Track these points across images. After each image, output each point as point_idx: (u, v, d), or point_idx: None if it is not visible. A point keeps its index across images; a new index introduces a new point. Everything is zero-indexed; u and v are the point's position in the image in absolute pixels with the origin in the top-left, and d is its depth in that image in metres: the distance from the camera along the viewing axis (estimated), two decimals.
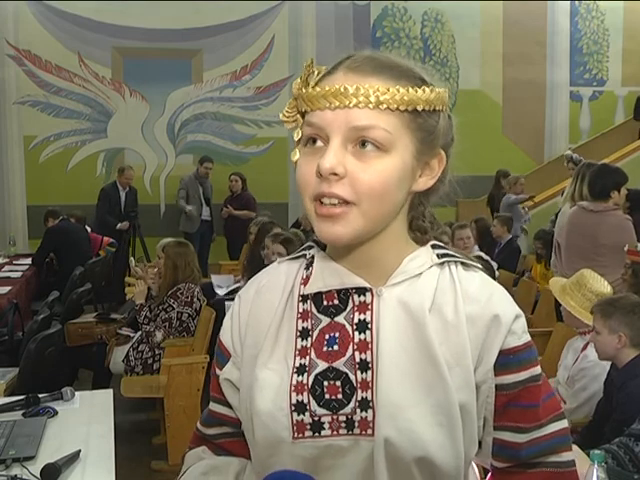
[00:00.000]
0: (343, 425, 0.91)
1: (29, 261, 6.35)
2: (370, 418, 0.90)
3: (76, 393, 2.44)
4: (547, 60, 9.74)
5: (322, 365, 0.93)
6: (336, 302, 0.95)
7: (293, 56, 8.75)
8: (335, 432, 0.91)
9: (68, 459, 1.88)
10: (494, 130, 9.43)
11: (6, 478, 1.80)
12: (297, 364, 0.94)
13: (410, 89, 0.88)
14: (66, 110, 8.35)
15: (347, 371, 0.92)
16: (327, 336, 0.94)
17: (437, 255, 0.97)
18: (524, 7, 9.45)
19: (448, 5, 9.25)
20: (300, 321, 0.96)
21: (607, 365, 2.65)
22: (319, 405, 0.92)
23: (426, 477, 0.90)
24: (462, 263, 0.97)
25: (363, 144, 0.87)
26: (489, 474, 1.02)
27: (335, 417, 0.91)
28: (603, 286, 3.00)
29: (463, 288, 0.94)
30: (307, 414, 0.92)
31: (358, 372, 0.92)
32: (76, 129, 8.39)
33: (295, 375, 0.93)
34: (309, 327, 0.95)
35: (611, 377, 2.58)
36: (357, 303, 0.94)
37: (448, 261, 0.97)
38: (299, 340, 0.95)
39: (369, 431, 0.90)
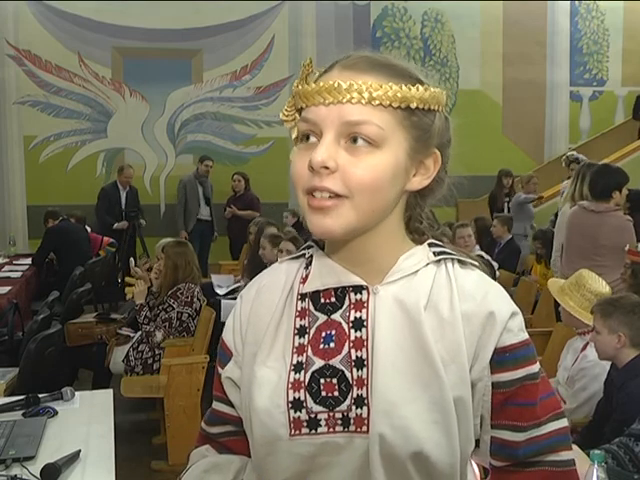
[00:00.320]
0: (339, 422, 0.91)
1: (29, 261, 6.35)
2: (365, 415, 0.90)
3: (76, 393, 2.44)
4: (547, 60, 9.75)
5: (319, 362, 0.93)
6: (333, 300, 0.96)
7: (293, 56, 8.75)
8: (331, 429, 0.91)
9: (68, 459, 1.88)
10: (494, 130, 9.44)
11: (6, 478, 1.80)
12: (294, 361, 0.94)
13: (404, 86, 0.88)
14: (66, 110, 8.35)
15: (343, 368, 0.92)
16: (324, 334, 0.95)
17: (433, 253, 0.97)
18: (524, 7, 9.45)
19: (448, 5, 9.26)
20: (298, 319, 0.97)
21: (607, 365, 2.65)
22: (316, 402, 0.92)
23: (422, 474, 0.90)
24: (459, 261, 0.97)
25: (355, 140, 0.88)
26: (489, 474, 1.02)
27: (331, 414, 0.92)
28: (602, 286, 3.00)
29: (459, 285, 0.94)
30: (304, 411, 0.92)
31: (354, 369, 0.92)
32: (76, 129, 8.39)
33: (292, 372, 0.93)
34: (306, 325, 0.96)
35: (611, 377, 2.58)
36: (353, 301, 0.95)
37: (444, 259, 0.97)
38: (297, 338, 0.96)
39: (364, 428, 0.90)
